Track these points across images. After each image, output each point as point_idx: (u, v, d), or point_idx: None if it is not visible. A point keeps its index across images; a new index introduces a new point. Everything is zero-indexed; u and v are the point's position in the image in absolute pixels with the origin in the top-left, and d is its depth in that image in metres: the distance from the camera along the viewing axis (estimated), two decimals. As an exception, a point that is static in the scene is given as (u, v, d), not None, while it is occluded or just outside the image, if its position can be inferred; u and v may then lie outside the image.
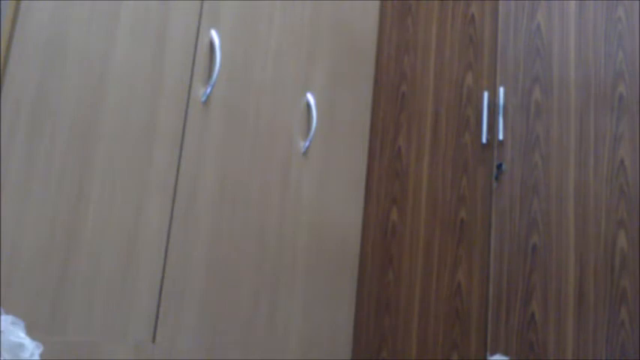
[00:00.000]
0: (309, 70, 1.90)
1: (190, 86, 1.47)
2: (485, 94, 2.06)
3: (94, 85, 1.24)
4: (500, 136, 2.02)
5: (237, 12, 1.62)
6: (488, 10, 2.16)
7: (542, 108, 2.01)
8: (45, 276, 1.14)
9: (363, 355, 2.07)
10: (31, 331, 1.07)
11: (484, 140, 2.04)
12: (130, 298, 1.30)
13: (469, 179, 2.05)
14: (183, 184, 1.44)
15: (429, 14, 2.25)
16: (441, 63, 2.19)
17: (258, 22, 1.69)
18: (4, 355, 0.88)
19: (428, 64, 2.22)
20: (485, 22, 2.15)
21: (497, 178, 2.01)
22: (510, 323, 1.89)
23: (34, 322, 1.11)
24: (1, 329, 0.89)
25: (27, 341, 0.90)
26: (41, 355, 0.99)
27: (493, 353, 1.89)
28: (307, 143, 1.86)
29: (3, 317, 0.90)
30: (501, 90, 2.05)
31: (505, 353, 1.88)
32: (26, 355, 0.89)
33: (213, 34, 1.54)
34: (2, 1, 1.08)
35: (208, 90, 1.50)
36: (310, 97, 1.89)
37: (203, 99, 1.50)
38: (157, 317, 1.37)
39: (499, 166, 2.00)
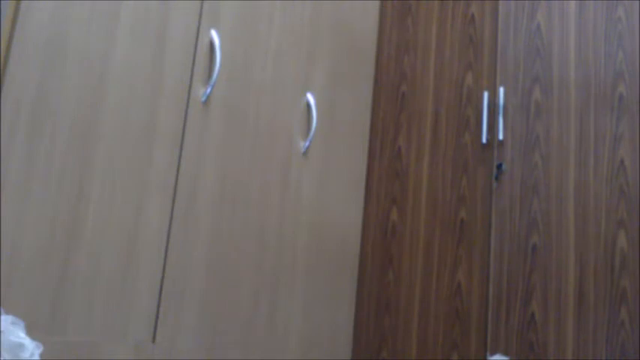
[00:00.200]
0: (309, 70, 1.90)
1: (190, 86, 1.47)
2: (485, 94, 2.06)
3: (94, 85, 1.24)
4: (500, 136, 2.02)
5: (237, 12, 1.62)
6: (488, 10, 2.16)
7: (542, 108, 2.01)
8: (45, 276, 1.14)
9: (363, 355, 2.07)
10: (31, 331, 1.07)
11: (484, 140, 2.04)
12: (130, 298, 1.30)
13: (469, 179, 2.05)
14: (183, 184, 1.44)
15: (429, 14, 2.25)
16: (441, 63, 2.19)
17: (258, 22, 1.69)
18: (4, 355, 0.88)
19: (428, 64, 2.22)
20: (485, 22, 2.15)
21: (497, 178, 2.01)
22: (510, 323, 1.89)
23: (34, 322, 1.11)
24: (1, 329, 0.89)
25: (27, 341, 0.90)
26: (41, 355, 0.99)
27: (493, 353, 1.89)
28: (307, 143, 1.86)
29: (3, 317, 0.90)
30: (501, 90, 2.05)
31: (505, 353, 1.88)
32: (26, 355, 0.89)
33: (213, 34, 1.54)
34: (2, 1, 1.08)
35: (208, 90, 1.50)
36: (310, 97, 1.89)
37: (203, 99, 1.50)
38: (157, 317, 1.37)
39: (499, 166, 2.00)
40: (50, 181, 1.15)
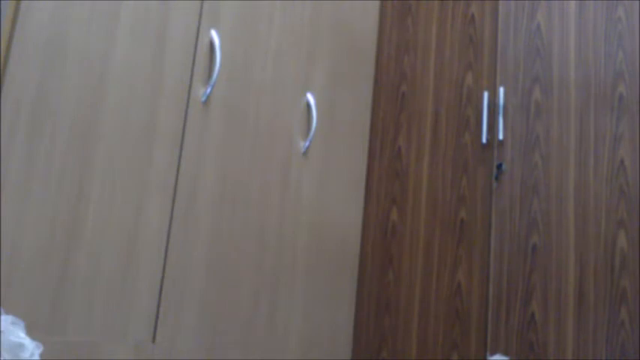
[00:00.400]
0: (309, 70, 1.90)
1: (190, 86, 1.47)
2: (485, 94, 2.06)
3: (94, 85, 1.24)
4: (500, 136, 2.02)
5: (237, 12, 1.62)
6: (488, 10, 2.16)
7: (542, 108, 2.01)
8: (45, 276, 1.14)
9: (363, 355, 2.07)
10: (31, 331, 1.07)
11: (484, 140, 2.04)
12: (130, 298, 1.30)
13: (469, 179, 2.05)
14: (183, 184, 1.44)
15: (429, 14, 2.25)
16: (441, 63, 2.19)
17: (258, 22, 1.69)
18: (4, 355, 0.88)
19: (428, 64, 2.22)
20: (485, 22, 2.15)
21: (497, 178, 2.01)
22: (510, 323, 1.89)
23: (34, 322, 1.11)
24: (1, 329, 0.89)
25: (27, 341, 0.90)
26: (41, 355, 0.99)
27: (493, 353, 1.89)
28: (307, 143, 1.86)
29: (3, 317, 0.90)
30: (501, 90, 2.05)
31: (505, 353, 1.88)
32: (26, 355, 0.89)
33: (213, 34, 1.54)
34: (2, 1, 1.08)
35: (208, 90, 1.50)
36: (310, 97, 1.89)
37: (203, 99, 1.50)
38: (157, 317, 1.37)
39: (499, 166, 2.00)
40: (50, 181, 1.15)
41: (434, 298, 2.01)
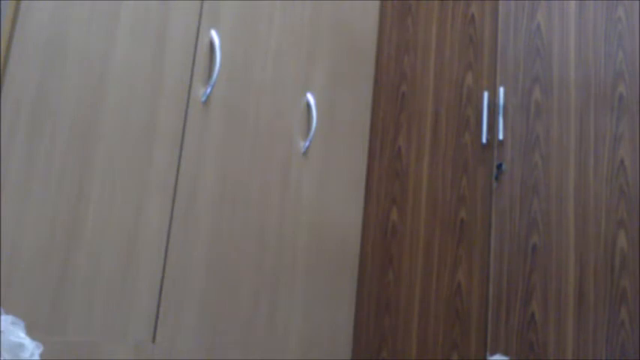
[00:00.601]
0: (309, 70, 1.90)
1: (190, 86, 1.47)
2: (485, 94, 2.06)
3: (94, 85, 1.24)
4: (500, 136, 2.02)
5: (237, 12, 1.62)
6: (488, 10, 2.16)
7: (542, 108, 2.01)
8: (45, 276, 1.14)
9: (363, 355, 2.07)
10: (31, 331, 1.07)
11: (484, 140, 2.04)
12: (130, 298, 1.30)
13: (469, 179, 2.05)
14: (183, 184, 1.44)
15: (429, 14, 2.25)
16: (441, 63, 2.19)
17: (258, 22, 1.69)
18: (4, 355, 0.88)
19: (428, 64, 2.22)
20: (485, 22, 2.15)
21: (497, 178, 2.01)
22: (510, 323, 1.89)
23: (34, 322, 1.11)
24: (1, 329, 0.89)
25: (27, 341, 0.90)
26: (41, 355, 0.99)
27: (493, 353, 1.89)
28: (307, 143, 1.86)
29: (3, 317, 0.90)
30: (501, 90, 2.05)
31: (505, 353, 1.88)
32: (26, 355, 0.89)
33: (213, 34, 1.54)
34: (2, 1, 1.08)
35: (208, 90, 1.50)
36: (310, 97, 1.89)
37: (203, 99, 1.50)
38: (157, 317, 1.37)
39: (499, 166, 2.00)
40: (50, 181, 1.15)
41: (434, 298, 2.01)
